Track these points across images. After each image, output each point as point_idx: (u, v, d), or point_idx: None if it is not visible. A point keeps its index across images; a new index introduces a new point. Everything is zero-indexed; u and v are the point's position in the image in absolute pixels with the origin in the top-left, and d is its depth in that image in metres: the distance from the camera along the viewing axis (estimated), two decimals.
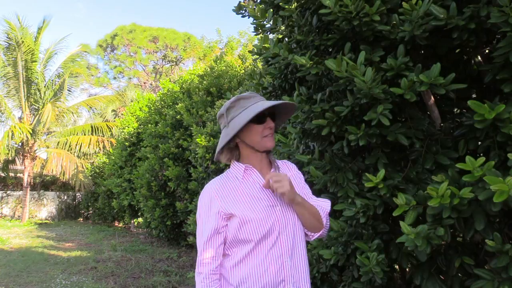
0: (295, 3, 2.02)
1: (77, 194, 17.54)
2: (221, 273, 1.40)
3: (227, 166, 1.58)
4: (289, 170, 1.58)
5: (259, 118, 1.40)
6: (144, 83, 27.33)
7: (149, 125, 9.06)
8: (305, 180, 1.64)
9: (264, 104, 1.39)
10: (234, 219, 1.37)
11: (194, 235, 6.55)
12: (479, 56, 1.93)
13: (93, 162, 17.06)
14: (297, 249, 1.43)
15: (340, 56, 1.67)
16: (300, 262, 1.43)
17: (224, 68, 7.75)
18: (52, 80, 16.02)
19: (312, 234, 1.51)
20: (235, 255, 1.39)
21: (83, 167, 15.83)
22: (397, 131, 1.78)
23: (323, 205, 1.54)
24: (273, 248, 1.37)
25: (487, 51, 1.90)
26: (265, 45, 2.11)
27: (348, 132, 1.87)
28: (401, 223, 1.53)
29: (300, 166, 2.41)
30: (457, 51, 1.96)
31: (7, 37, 14.10)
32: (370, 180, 1.71)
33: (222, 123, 1.48)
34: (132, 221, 12.80)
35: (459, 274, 1.77)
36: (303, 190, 1.56)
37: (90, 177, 15.50)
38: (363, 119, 1.78)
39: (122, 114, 17.01)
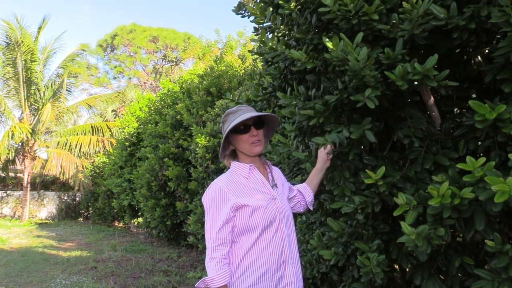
0: (295, 2, 2.01)
1: (77, 194, 17.54)
2: (230, 259, 1.57)
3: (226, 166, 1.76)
4: (279, 173, 1.85)
5: (245, 128, 1.62)
6: (144, 83, 27.32)
7: (149, 125, 9.06)
8: (301, 178, 1.94)
9: (243, 117, 1.60)
10: (245, 209, 1.56)
11: (194, 235, 6.54)
12: (479, 56, 1.92)
13: (93, 162, 17.06)
14: (292, 235, 1.69)
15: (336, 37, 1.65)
16: (295, 245, 1.70)
17: (224, 68, 7.75)
18: (52, 80, 16.02)
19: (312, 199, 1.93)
20: (244, 243, 1.57)
21: (83, 167, 15.83)
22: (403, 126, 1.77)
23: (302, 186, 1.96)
24: (275, 235, 1.60)
25: (487, 51, 1.89)
26: (263, 39, 2.11)
27: (348, 125, 1.86)
28: (401, 223, 1.52)
29: (297, 162, 2.41)
30: (457, 51, 1.96)
31: (6, 37, 14.10)
32: (369, 177, 1.70)
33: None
34: (132, 221, 12.80)
35: (459, 274, 1.76)
36: (288, 185, 1.88)
37: (90, 177, 15.50)
38: (352, 108, 1.76)
39: (122, 114, 17.00)
